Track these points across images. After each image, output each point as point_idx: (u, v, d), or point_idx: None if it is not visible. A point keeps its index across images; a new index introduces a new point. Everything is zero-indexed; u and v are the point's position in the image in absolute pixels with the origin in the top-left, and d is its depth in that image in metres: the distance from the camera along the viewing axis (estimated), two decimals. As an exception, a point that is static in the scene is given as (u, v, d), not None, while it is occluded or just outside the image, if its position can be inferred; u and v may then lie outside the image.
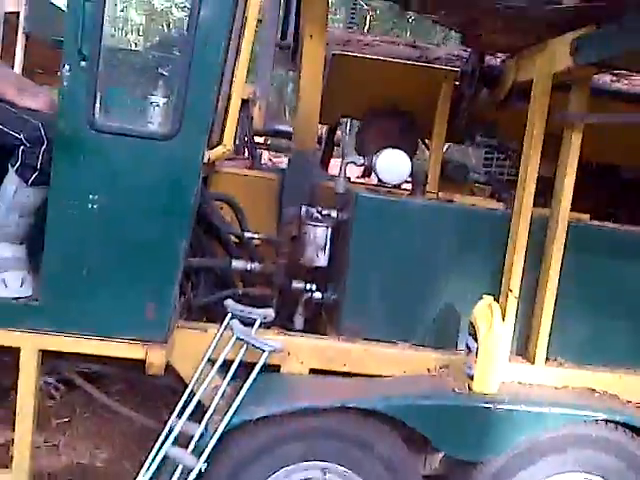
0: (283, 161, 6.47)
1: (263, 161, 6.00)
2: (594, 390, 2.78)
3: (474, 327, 2.57)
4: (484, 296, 2.65)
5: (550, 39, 2.79)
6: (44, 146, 2.47)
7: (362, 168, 3.50)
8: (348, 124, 10.11)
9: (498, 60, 3.48)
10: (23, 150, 2.49)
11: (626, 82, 3.78)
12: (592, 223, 2.94)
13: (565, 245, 2.76)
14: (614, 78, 3.71)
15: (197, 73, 2.33)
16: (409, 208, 2.82)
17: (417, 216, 2.80)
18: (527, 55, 3.04)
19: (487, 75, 3.35)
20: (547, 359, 2.80)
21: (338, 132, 5.41)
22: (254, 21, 2.62)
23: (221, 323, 2.64)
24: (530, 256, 2.77)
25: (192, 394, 2.53)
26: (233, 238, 3.10)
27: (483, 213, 2.91)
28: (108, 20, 2.37)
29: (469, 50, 3.69)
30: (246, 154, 4.78)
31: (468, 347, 2.62)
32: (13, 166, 2.51)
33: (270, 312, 2.65)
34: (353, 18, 6.03)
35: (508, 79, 3.20)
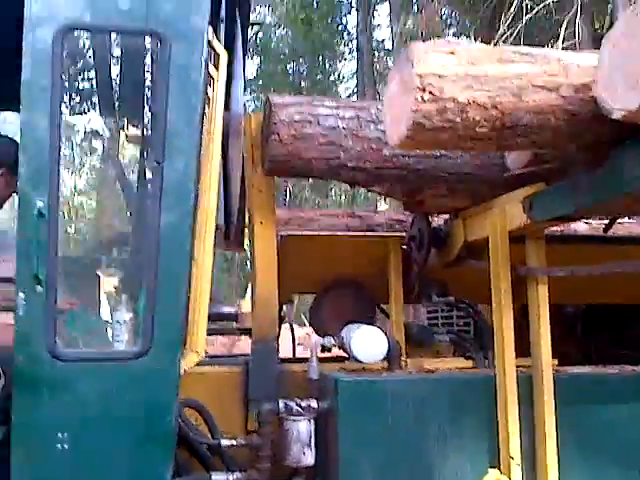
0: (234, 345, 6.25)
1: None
2: None
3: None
4: (489, 470, 2.51)
5: (497, 198, 2.88)
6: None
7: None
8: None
9: (441, 220, 3.55)
10: None
11: None
12: (575, 371, 2.91)
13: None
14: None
15: (165, 279, 2.20)
16: (393, 386, 2.68)
17: (403, 393, 2.67)
18: (475, 214, 3.10)
19: (434, 236, 3.39)
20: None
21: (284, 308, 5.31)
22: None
23: None
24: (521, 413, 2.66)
25: None
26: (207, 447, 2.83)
27: (469, 379, 2.81)
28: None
29: (408, 214, 3.77)
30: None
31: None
32: (-38, 409, 2.25)
33: None
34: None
35: (458, 239, 3.24)
